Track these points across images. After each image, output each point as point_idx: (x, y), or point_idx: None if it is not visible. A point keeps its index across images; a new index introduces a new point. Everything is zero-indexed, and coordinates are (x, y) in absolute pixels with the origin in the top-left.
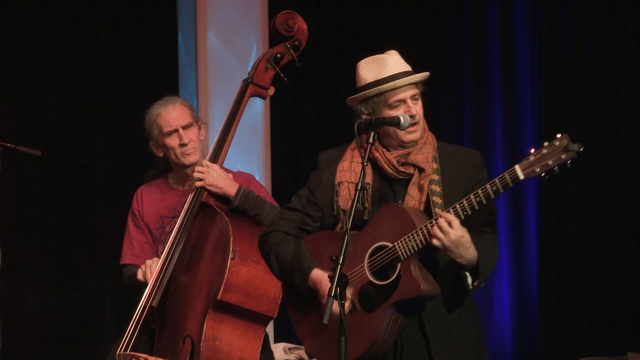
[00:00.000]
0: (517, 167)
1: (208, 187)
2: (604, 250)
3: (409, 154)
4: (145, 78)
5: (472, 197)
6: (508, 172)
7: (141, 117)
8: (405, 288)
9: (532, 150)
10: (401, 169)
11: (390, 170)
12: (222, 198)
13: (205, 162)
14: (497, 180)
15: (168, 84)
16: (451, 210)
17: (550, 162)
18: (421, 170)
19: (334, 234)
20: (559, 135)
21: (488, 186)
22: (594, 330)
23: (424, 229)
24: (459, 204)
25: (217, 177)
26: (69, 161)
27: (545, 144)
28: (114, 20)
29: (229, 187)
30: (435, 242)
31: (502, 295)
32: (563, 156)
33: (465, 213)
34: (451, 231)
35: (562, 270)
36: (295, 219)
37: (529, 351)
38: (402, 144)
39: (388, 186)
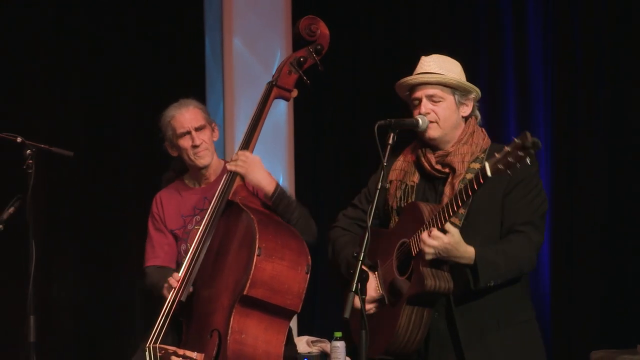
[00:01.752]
0: (486, 163)
1: (246, 176)
2: (614, 246)
3: (447, 154)
4: (173, 82)
5: (448, 202)
6: (480, 169)
7: (157, 119)
8: (415, 283)
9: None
10: (437, 167)
11: (429, 169)
12: (248, 195)
13: (246, 152)
14: (472, 178)
15: (195, 88)
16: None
17: (511, 160)
18: (454, 170)
19: (382, 232)
20: (521, 134)
21: (461, 183)
22: (604, 324)
23: (431, 222)
24: (438, 213)
25: (257, 169)
26: (99, 162)
27: (512, 141)
28: (143, 26)
29: (265, 182)
30: (426, 256)
31: None
32: (521, 153)
33: (444, 219)
34: (432, 241)
35: (573, 266)
36: (354, 216)
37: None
38: (428, 142)
39: (431, 185)
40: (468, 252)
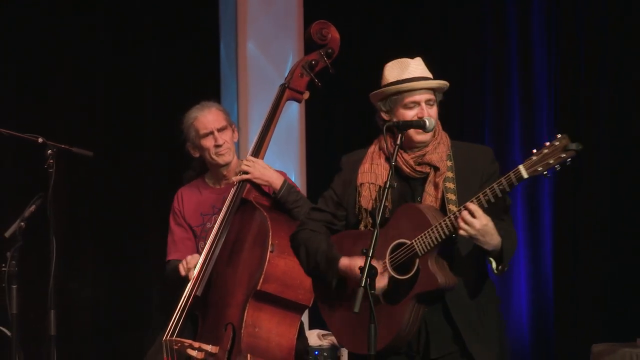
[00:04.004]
0: (520, 167)
1: (255, 180)
2: (615, 243)
3: (424, 154)
4: (190, 85)
5: (488, 191)
6: (513, 172)
7: (179, 121)
8: (424, 281)
9: (535, 151)
10: (418, 168)
11: (408, 170)
12: (261, 194)
13: (250, 157)
14: (503, 179)
15: (211, 90)
16: (474, 201)
17: (551, 161)
18: (436, 169)
19: (357, 234)
20: (559, 136)
21: (495, 185)
22: (605, 318)
23: (440, 226)
24: (481, 196)
25: (263, 170)
26: (119, 162)
27: (547, 144)
28: (160, 32)
29: (275, 180)
30: (461, 232)
31: (520, 285)
32: (563, 155)
33: (485, 204)
34: (475, 221)
35: (576, 264)
36: (322, 219)
37: (545, 338)
38: (414, 145)
39: (407, 185)
40: (497, 238)
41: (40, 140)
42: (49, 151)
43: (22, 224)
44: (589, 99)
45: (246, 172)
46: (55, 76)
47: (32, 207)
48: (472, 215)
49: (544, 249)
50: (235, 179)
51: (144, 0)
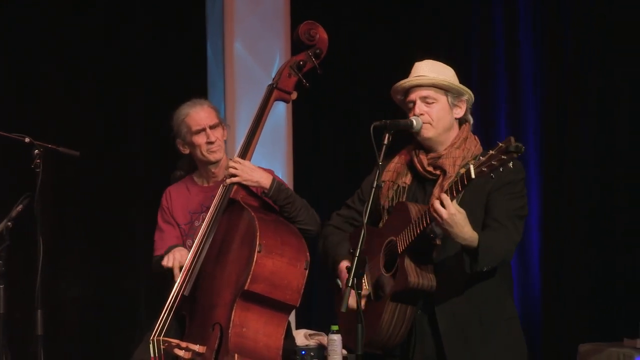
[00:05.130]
0: (470, 166)
1: (244, 182)
2: (601, 244)
3: (439, 157)
4: (177, 84)
5: (446, 184)
6: (464, 168)
7: (169, 117)
8: (398, 280)
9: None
10: (429, 169)
11: (420, 170)
12: (249, 194)
13: (237, 158)
14: (456, 175)
15: (198, 90)
16: (447, 191)
17: (494, 163)
18: (445, 172)
19: (372, 231)
20: (505, 139)
21: (451, 182)
22: (591, 318)
23: (416, 221)
24: (446, 186)
25: (251, 172)
26: (106, 161)
27: (497, 144)
28: (148, 31)
29: (264, 179)
30: (433, 217)
31: None
32: (504, 157)
33: (450, 196)
34: (443, 210)
35: (562, 264)
36: (347, 215)
37: (532, 337)
38: (422, 143)
39: (421, 186)
40: (472, 234)
41: (27, 139)
42: (36, 151)
43: (9, 223)
44: (574, 95)
45: (234, 175)
46: (40, 75)
47: (20, 207)
48: (442, 204)
49: (531, 248)
50: (225, 182)
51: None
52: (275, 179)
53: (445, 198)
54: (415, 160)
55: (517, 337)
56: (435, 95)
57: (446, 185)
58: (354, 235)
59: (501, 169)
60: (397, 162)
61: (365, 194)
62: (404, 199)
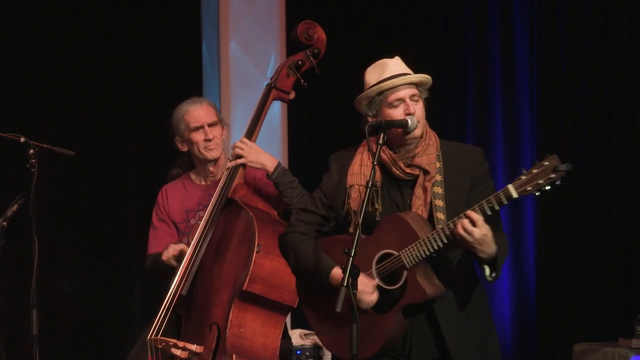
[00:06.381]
0: (510, 186)
1: (249, 164)
2: (597, 244)
3: (414, 156)
4: (172, 84)
5: (484, 204)
6: (502, 191)
7: (169, 114)
8: (412, 294)
9: (524, 170)
10: (407, 170)
11: (397, 172)
12: (247, 194)
13: (243, 138)
14: (492, 198)
15: (193, 90)
16: (477, 209)
17: (541, 182)
18: (426, 172)
19: (345, 240)
20: (548, 156)
21: (484, 203)
22: (587, 318)
23: (429, 239)
24: (476, 207)
25: (256, 154)
26: (101, 161)
27: (536, 162)
28: (143, 32)
29: (269, 162)
30: (460, 235)
31: (503, 287)
32: (552, 175)
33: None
34: (475, 230)
35: (558, 264)
36: (311, 220)
37: (527, 338)
38: (405, 141)
39: (396, 187)
40: (494, 247)
41: (22, 139)
42: (31, 150)
43: (4, 223)
44: (571, 99)
45: (239, 157)
46: (35, 75)
47: (15, 207)
48: (473, 224)
49: (526, 249)
50: (229, 164)
51: None
52: (280, 163)
53: (478, 218)
54: (390, 161)
55: (490, 325)
56: (418, 93)
57: (429, 188)
58: (322, 245)
59: (547, 188)
60: (359, 164)
61: (330, 198)
62: (379, 202)
